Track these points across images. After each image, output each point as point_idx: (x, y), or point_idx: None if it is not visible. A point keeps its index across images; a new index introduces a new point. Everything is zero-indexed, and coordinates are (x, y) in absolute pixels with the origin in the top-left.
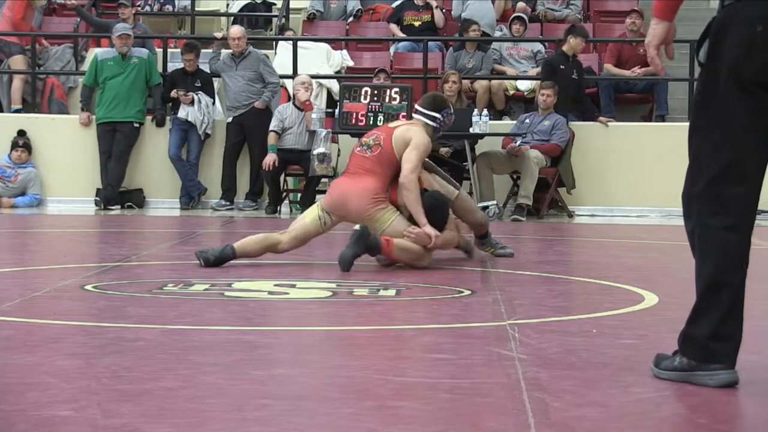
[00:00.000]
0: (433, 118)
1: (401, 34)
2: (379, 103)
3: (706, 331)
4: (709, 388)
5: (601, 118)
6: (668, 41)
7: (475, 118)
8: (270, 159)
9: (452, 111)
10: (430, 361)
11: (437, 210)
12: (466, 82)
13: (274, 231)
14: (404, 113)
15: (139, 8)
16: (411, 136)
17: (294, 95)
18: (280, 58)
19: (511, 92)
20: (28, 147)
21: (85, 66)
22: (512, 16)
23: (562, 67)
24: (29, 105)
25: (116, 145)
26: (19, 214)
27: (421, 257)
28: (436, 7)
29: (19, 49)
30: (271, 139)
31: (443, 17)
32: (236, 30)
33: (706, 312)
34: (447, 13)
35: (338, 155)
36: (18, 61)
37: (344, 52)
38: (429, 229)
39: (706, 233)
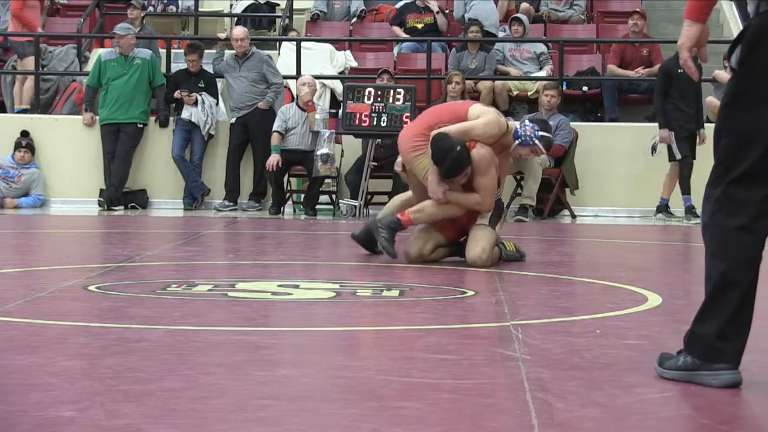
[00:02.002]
0: (522, 121)
1: (405, 36)
2: (383, 104)
3: (713, 330)
4: (712, 388)
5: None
6: (701, 44)
7: None
8: (273, 159)
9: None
10: (434, 362)
11: (439, 149)
12: (469, 82)
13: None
14: (408, 114)
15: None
16: (484, 115)
17: (297, 96)
18: (284, 59)
19: (515, 93)
20: (31, 147)
21: (89, 67)
22: (511, 17)
23: (679, 71)
24: (33, 105)
25: (120, 145)
26: (23, 215)
27: (443, 211)
28: (438, 12)
29: (32, 51)
30: (274, 139)
31: (446, 21)
32: (239, 31)
33: (714, 311)
34: (450, 14)
35: (341, 156)
36: (31, 63)
37: (348, 52)
38: (433, 182)
39: (719, 233)
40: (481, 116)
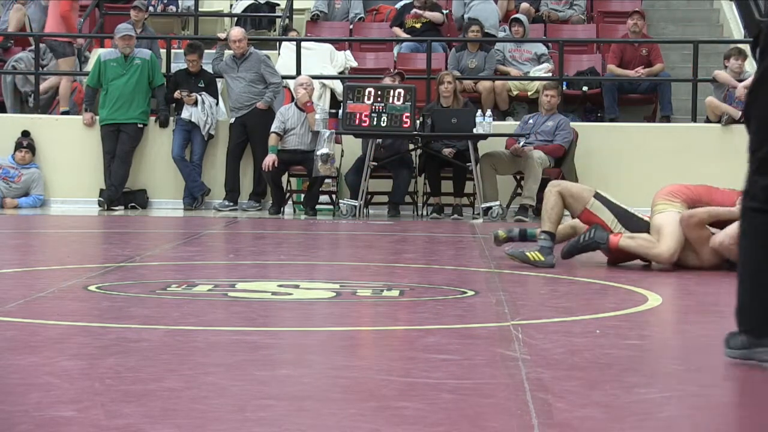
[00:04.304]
0: None
1: (405, 36)
2: (383, 104)
3: (760, 310)
4: (712, 387)
5: None
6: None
7: (478, 119)
8: (269, 160)
9: None
10: (434, 362)
11: None
12: (469, 82)
13: None
14: (408, 113)
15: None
16: None
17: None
18: (284, 59)
19: (515, 93)
20: (31, 147)
21: (89, 67)
22: (511, 18)
23: None
24: (32, 106)
25: (120, 145)
26: (23, 215)
27: (651, 245)
28: (428, 7)
29: (72, 51)
30: (272, 140)
31: (442, 16)
32: (237, 32)
33: (755, 293)
34: (449, 14)
35: (341, 156)
36: (69, 62)
37: (348, 52)
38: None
39: (746, 218)
40: None
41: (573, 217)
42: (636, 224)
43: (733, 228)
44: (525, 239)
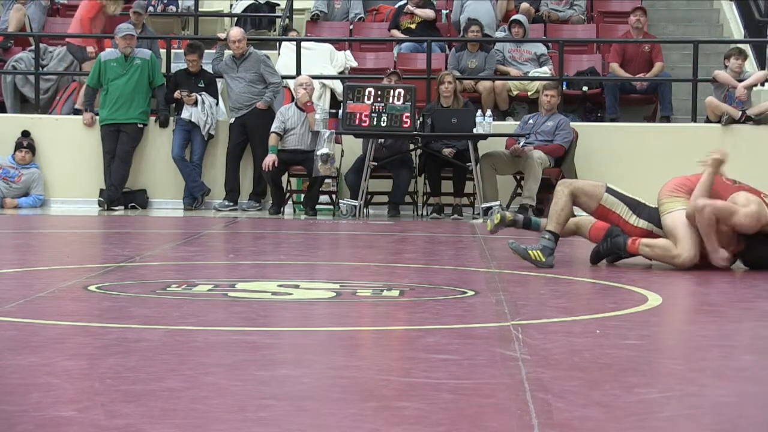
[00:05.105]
0: None
1: (404, 37)
2: (383, 104)
3: None
4: (711, 387)
5: None
6: None
7: (478, 119)
8: (269, 160)
9: None
10: (434, 362)
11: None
12: (469, 82)
13: None
14: (408, 113)
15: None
16: (749, 205)
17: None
18: (284, 59)
19: (515, 93)
20: (32, 147)
21: (88, 67)
22: (511, 19)
23: None
24: (32, 105)
25: (120, 145)
26: (23, 215)
27: (670, 253)
28: (420, 5)
29: (88, 55)
30: (272, 140)
31: (433, 12)
32: (236, 32)
33: None
34: (443, 13)
35: (342, 156)
36: (88, 66)
37: (348, 52)
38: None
39: None
40: (747, 206)
41: (587, 213)
42: (648, 213)
43: (721, 202)
44: (528, 227)
